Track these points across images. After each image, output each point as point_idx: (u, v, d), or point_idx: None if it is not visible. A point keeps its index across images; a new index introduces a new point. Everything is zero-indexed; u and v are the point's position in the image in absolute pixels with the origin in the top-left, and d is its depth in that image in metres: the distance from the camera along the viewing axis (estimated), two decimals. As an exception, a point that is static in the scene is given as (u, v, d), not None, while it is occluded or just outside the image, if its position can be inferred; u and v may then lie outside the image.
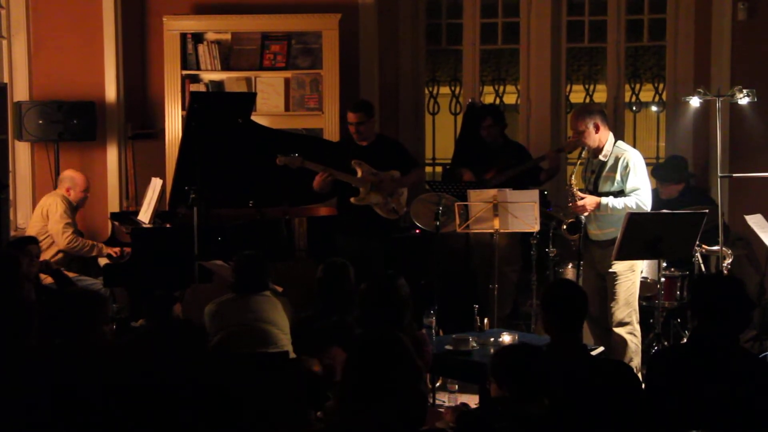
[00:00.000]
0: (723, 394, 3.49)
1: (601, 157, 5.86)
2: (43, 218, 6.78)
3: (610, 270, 5.79)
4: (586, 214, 5.79)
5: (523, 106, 8.35)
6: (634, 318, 5.81)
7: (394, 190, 6.61)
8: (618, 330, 5.77)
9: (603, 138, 5.85)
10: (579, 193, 5.79)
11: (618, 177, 5.79)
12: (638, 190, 5.76)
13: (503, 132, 7.35)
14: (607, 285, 5.84)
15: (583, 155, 6.01)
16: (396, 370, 3.24)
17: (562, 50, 8.27)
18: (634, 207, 5.69)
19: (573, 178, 5.84)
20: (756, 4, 7.50)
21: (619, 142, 5.95)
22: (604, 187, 5.84)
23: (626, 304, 5.79)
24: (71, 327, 3.69)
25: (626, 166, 5.77)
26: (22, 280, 4.55)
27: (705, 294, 3.65)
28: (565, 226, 5.96)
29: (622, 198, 5.75)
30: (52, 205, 6.80)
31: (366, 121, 6.56)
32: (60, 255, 6.77)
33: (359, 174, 6.53)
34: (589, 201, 5.77)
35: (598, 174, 5.88)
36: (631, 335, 5.79)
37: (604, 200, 5.75)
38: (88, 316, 3.73)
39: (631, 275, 5.81)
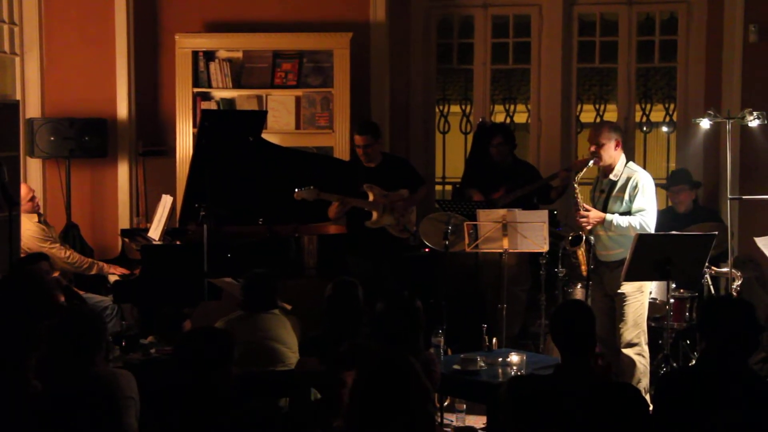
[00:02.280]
0: (731, 417, 3.49)
1: (611, 176, 5.88)
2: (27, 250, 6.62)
3: (619, 291, 5.80)
4: (589, 227, 5.80)
5: (533, 125, 8.38)
6: (643, 339, 5.81)
7: (405, 209, 6.69)
8: (626, 351, 5.78)
9: (617, 157, 5.87)
10: (585, 205, 5.82)
11: (627, 197, 5.81)
12: (644, 211, 5.77)
13: (512, 151, 7.38)
14: (615, 306, 5.85)
15: (580, 175, 5.99)
16: (404, 391, 3.26)
17: (572, 70, 8.31)
18: (638, 227, 5.70)
19: (578, 188, 5.85)
20: (767, 27, 7.53)
21: (630, 163, 5.96)
22: (613, 207, 5.85)
23: (635, 325, 5.79)
24: (69, 353, 3.69)
25: (635, 187, 5.79)
26: (54, 292, 4.50)
27: (713, 317, 3.66)
28: (570, 238, 5.92)
29: (627, 216, 5.77)
30: (25, 239, 6.46)
31: (373, 143, 6.64)
32: (57, 272, 6.63)
33: (371, 198, 6.62)
34: (593, 214, 5.79)
35: (608, 194, 5.90)
36: (640, 356, 5.79)
37: (608, 216, 5.77)
38: (85, 341, 3.73)
39: (640, 296, 5.81)
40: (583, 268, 5.85)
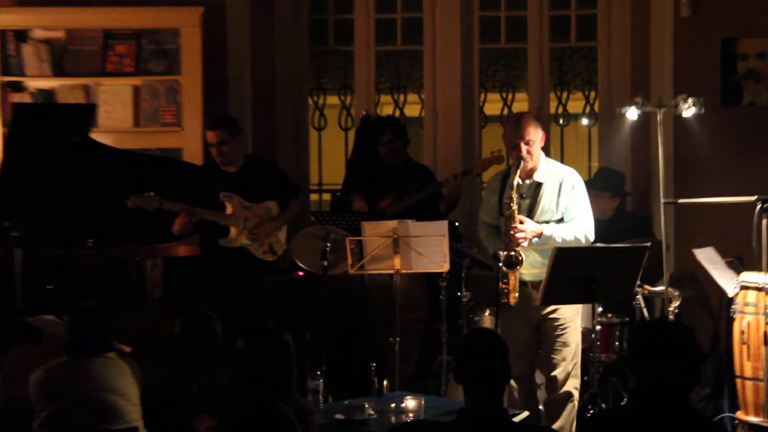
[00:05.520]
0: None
1: (536, 177, 5.87)
2: None
3: (555, 315, 5.82)
4: (526, 243, 5.76)
5: (428, 118, 8.44)
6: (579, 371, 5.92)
7: (273, 230, 6.62)
8: (566, 387, 5.84)
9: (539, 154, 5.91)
10: (519, 217, 5.75)
11: (562, 202, 5.84)
12: (583, 218, 5.86)
13: (405, 149, 7.41)
14: (541, 335, 5.89)
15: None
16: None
17: (474, 52, 8.42)
18: (583, 239, 5.79)
19: (515, 197, 5.71)
20: (701, -2, 7.72)
21: (551, 160, 6.01)
22: (544, 215, 5.85)
23: (575, 354, 5.87)
24: None
25: (571, 188, 5.85)
26: None
27: (645, 344, 3.70)
28: (504, 257, 5.79)
29: (567, 226, 5.82)
30: None
31: (229, 140, 6.59)
32: None
33: (229, 210, 6.55)
34: (531, 228, 5.75)
35: (533, 199, 5.87)
36: (577, 391, 5.88)
37: (547, 230, 5.77)
38: None
39: (578, 320, 5.88)
40: (513, 296, 5.78)
